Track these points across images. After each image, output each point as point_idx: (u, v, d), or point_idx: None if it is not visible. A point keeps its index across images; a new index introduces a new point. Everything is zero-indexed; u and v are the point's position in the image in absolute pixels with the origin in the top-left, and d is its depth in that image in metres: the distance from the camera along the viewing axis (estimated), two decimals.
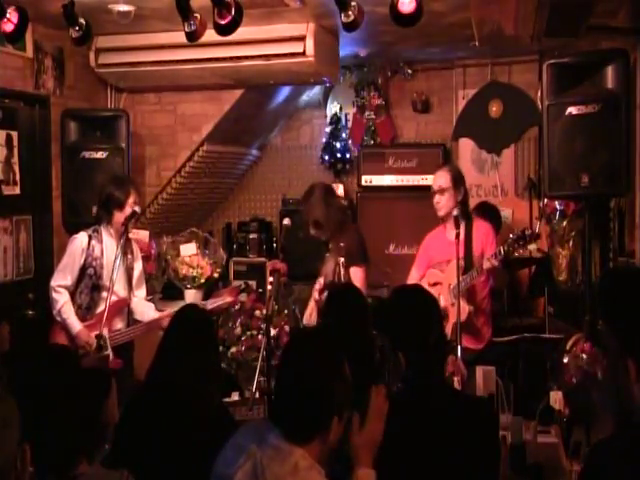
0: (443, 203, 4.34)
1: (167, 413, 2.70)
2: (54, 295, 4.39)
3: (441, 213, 4.38)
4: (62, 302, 4.37)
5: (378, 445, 2.16)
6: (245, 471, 2.02)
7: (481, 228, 4.37)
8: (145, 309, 4.51)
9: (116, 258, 4.26)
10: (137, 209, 4.55)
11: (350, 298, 3.31)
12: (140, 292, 4.57)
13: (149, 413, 2.75)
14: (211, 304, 4.46)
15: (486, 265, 4.06)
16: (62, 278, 4.40)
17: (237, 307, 5.59)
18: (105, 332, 4.18)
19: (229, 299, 4.54)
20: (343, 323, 3.08)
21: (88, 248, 4.39)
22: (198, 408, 2.72)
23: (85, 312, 4.37)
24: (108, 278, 4.29)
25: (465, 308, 4.15)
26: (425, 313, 2.53)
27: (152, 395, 2.82)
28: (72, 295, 4.39)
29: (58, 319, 4.38)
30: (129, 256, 4.49)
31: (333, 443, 2.08)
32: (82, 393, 2.02)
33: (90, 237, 4.41)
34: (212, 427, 2.62)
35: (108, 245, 4.42)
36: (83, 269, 4.39)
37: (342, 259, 4.50)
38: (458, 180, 4.41)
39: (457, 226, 4.06)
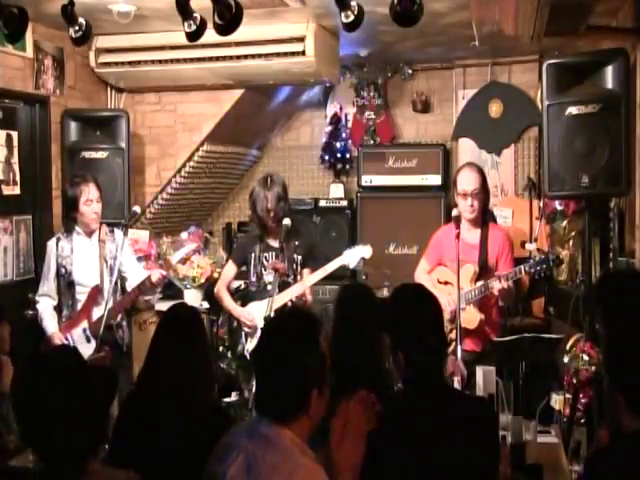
0: (476, 206, 4.26)
1: (159, 414, 2.71)
2: (37, 307, 4.48)
3: (473, 216, 4.28)
4: (40, 310, 4.47)
5: (359, 466, 2.12)
6: (238, 465, 2.02)
7: (497, 235, 4.34)
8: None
9: (115, 262, 4.33)
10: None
11: (362, 299, 3.27)
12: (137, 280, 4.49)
13: (143, 414, 2.75)
14: (175, 258, 4.46)
15: (497, 287, 4.02)
16: (41, 287, 4.51)
17: None
18: (84, 325, 4.31)
19: (193, 246, 4.49)
20: (353, 324, 3.06)
21: (57, 249, 4.45)
22: (189, 408, 2.71)
23: (70, 311, 4.42)
24: (80, 274, 4.40)
25: (477, 316, 4.15)
26: (426, 313, 2.53)
27: (144, 396, 2.82)
28: (59, 301, 4.44)
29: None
30: (109, 246, 4.47)
31: (316, 418, 2.07)
32: (93, 392, 2.03)
33: (59, 239, 4.49)
34: (205, 426, 2.62)
35: (79, 243, 4.46)
36: (57, 272, 4.44)
37: (300, 257, 4.51)
38: (485, 180, 4.37)
39: (457, 226, 4.05)
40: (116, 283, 4.40)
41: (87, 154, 5.38)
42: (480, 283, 4.14)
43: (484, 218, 4.36)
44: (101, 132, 5.49)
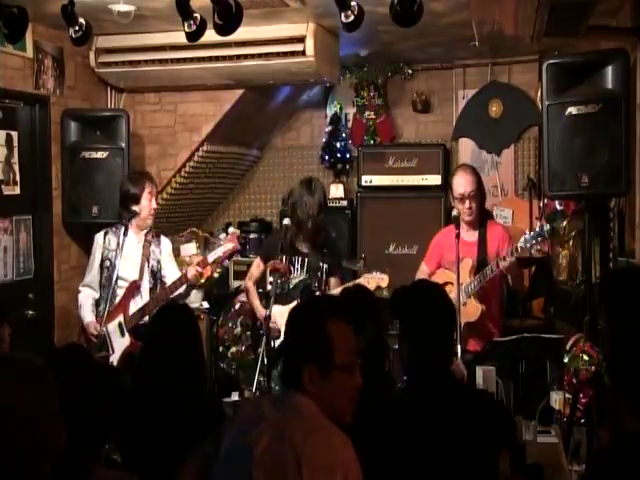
0: (474, 207, 4.28)
1: (152, 415, 2.71)
2: (78, 296, 4.62)
3: (472, 218, 4.30)
4: (80, 299, 4.60)
5: None
6: (269, 435, 1.98)
7: (495, 231, 4.37)
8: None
9: (156, 265, 4.51)
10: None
11: (363, 301, 3.27)
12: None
13: (138, 414, 2.76)
14: (211, 257, 4.47)
15: (503, 264, 4.03)
16: (85, 277, 4.65)
17: (237, 307, 5.58)
18: (120, 318, 4.40)
19: (230, 245, 4.49)
20: (354, 326, 3.06)
21: (104, 242, 4.56)
22: (180, 409, 2.71)
23: (109, 304, 4.47)
24: (123, 269, 4.47)
25: (478, 307, 4.16)
26: (439, 312, 2.53)
27: (139, 396, 2.82)
28: (101, 293, 4.55)
29: None
30: (153, 249, 4.57)
31: (331, 399, 2.06)
32: (95, 391, 2.02)
33: (106, 232, 4.60)
34: (201, 426, 2.63)
35: (128, 239, 4.52)
36: (102, 264, 4.55)
37: (326, 265, 4.47)
38: (481, 180, 4.40)
39: (457, 227, 4.06)
40: (155, 285, 4.55)
41: (87, 154, 5.38)
42: (478, 275, 4.16)
43: (483, 217, 4.38)
44: (101, 132, 5.49)
